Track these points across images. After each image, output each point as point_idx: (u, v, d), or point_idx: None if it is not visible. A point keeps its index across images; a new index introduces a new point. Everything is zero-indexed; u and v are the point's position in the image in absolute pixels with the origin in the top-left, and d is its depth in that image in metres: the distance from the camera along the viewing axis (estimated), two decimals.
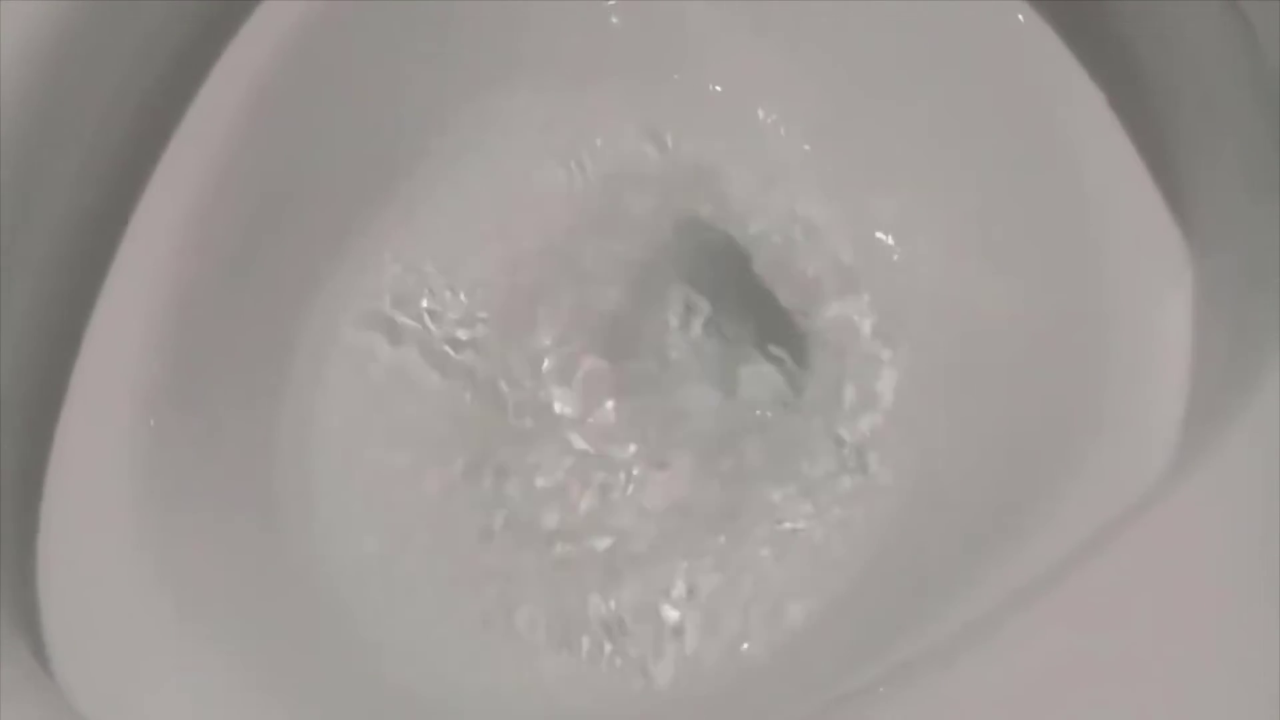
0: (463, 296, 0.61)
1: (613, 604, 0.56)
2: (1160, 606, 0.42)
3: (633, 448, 0.60)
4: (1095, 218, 0.54)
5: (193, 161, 0.54)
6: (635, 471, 0.59)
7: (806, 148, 0.61)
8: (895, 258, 0.60)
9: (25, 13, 0.49)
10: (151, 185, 0.54)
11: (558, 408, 0.60)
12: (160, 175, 0.54)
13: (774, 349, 0.62)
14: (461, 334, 0.61)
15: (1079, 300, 0.53)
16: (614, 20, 0.62)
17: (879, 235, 0.60)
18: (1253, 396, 0.45)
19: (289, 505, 0.56)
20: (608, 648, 0.56)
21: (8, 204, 0.49)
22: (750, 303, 0.62)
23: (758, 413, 0.60)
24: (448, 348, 0.61)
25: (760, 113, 0.62)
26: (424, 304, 0.61)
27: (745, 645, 0.55)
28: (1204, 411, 0.49)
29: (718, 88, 0.62)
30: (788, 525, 0.57)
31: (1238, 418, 0.45)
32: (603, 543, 0.58)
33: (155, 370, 0.52)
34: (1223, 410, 0.46)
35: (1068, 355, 0.54)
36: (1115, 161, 0.54)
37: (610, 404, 0.60)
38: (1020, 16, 0.56)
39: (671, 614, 0.56)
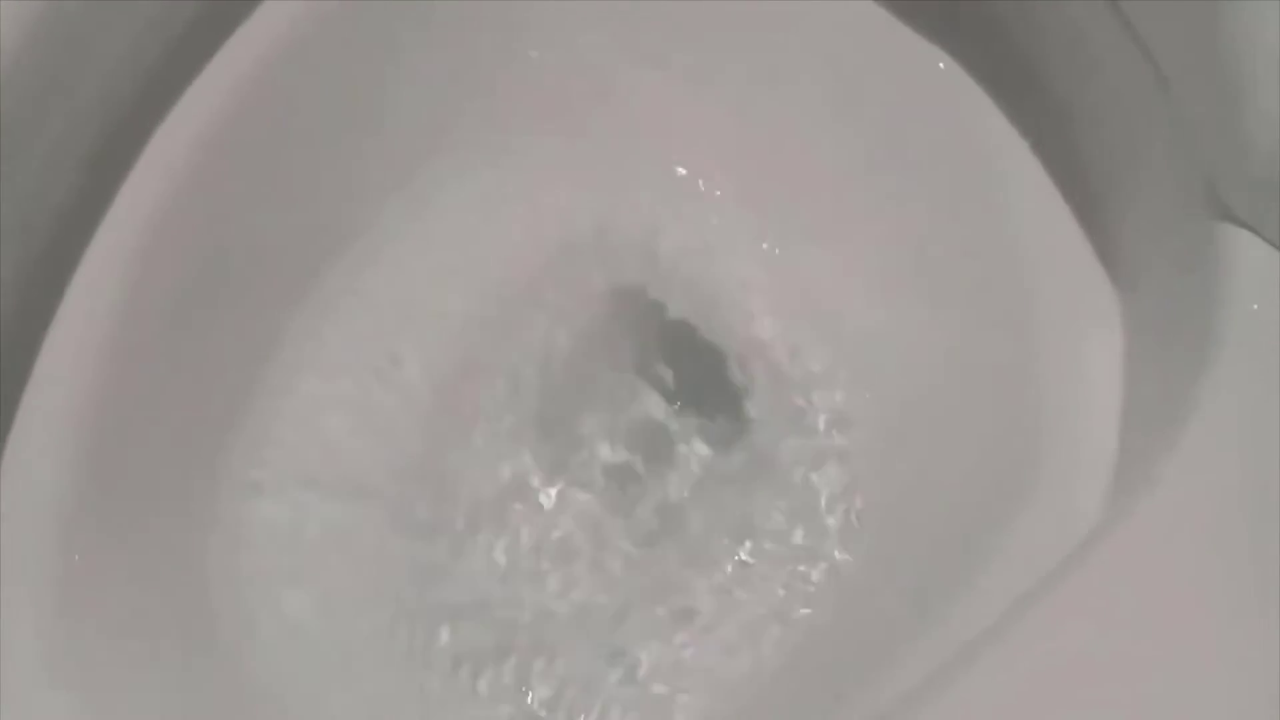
0: (404, 373, 0.61)
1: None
2: (1102, 650, 0.42)
3: (575, 531, 0.59)
4: (1024, 261, 0.55)
5: (114, 255, 0.53)
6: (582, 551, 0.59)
7: (736, 204, 0.62)
8: (831, 307, 0.60)
9: None
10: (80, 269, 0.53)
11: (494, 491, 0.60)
12: (88, 259, 0.53)
13: (713, 407, 0.62)
14: (397, 431, 0.60)
15: (1013, 342, 0.54)
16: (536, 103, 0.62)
17: (814, 286, 0.60)
18: (1182, 435, 0.45)
19: (223, 627, 0.55)
20: None
21: None
22: (687, 359, 0.62)
23: (697, 470, 0.60)
24: (380, 447, 0.60)
25: (686, 171, 0.63)
26: (360, 394, 0.60)
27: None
28: (1137, 449, 0.50)
29: (645, 148, 0.63)
30: (729, 583, 0.57)
31: (1169, 457, 0.45)
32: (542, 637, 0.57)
33: (76, 487, 0.50)
34: (1155, 450, 0.47)
35: (1004, 398, 0.55)
36: (1041, 205, 0.55)
37: (552, 490, 0.60)
38: (940, 64, 0.57)
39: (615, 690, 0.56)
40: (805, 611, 0.56)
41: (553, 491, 0.60)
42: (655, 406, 0.62)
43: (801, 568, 0.57)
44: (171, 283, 0.54)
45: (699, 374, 0.61)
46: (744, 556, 0.58)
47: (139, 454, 0.53)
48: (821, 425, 0.59)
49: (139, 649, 0.51)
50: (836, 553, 0.57)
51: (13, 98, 0.49)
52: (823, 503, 0.57)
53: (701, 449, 0.61)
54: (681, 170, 0.62)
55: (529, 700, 0.56)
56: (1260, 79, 0.44)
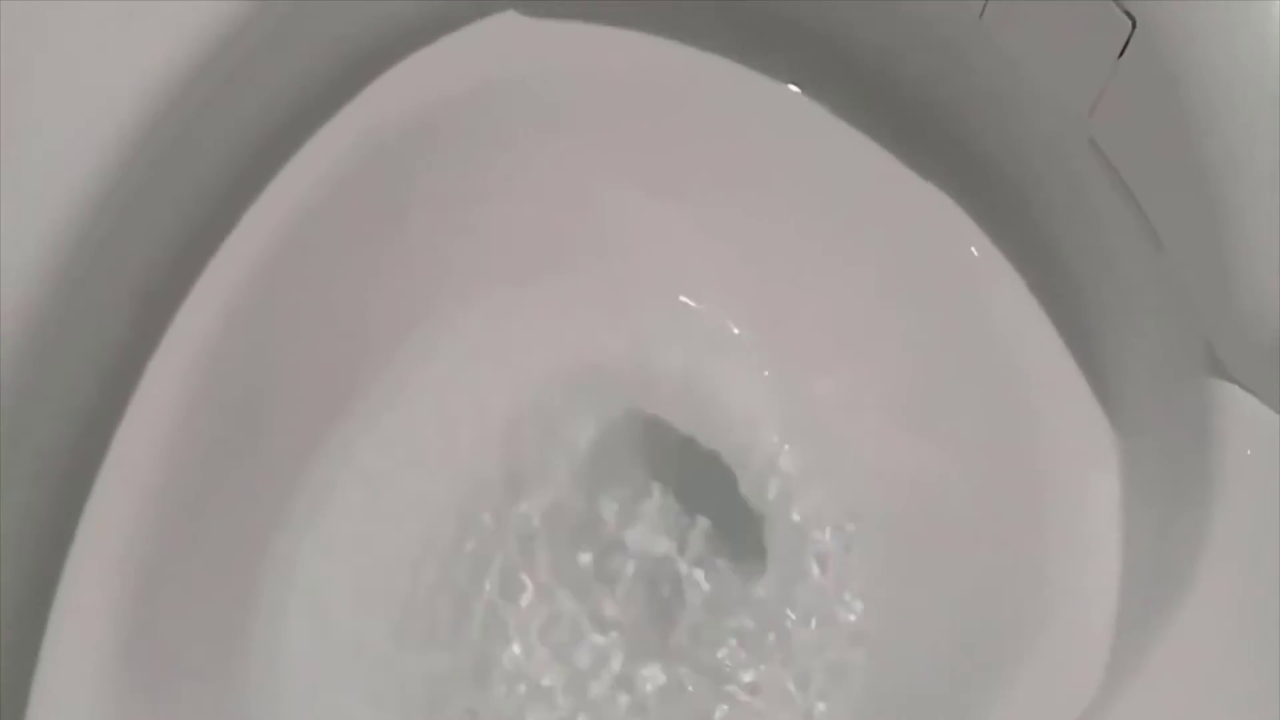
0: (415, 524, 0.61)
1: None
2: None
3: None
4: (1027, 398, 0.56)
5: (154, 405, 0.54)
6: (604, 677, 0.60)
7: (744, 338, 0.63)
8: (837, 436, 0.61)
9: None
10: (116, 446, 0.53)
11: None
12: (123, 438, 0.53)
13: (730, 533, 0.63)
14: (418, 572, 0.61)
15: (1014, 482, 0.55)
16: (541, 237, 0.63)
17: (819, 414, 0.62)
18: (1183, 583, 0.46)
19: None
20: None
21: None
22: (696, 493, 0.63)
23: (700, 604, 0.61)
24: (404, 585, 0.61)
25: (689, 300, 0.64)
26: (377, 537, 0.61)
27: None
28: (1139, 593, 0.51)
29: (646, 279, 0.64)
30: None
31: (1170, 604, 0.46)
32: None
33: (127, 621, 0.51)
34: (1156, 593, 0.48)
35: (1006, 536, 0.56)
36: (1042, 345, 0.56)
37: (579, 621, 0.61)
38: (940, 204, 0.59)
39: None
40: None
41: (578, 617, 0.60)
42: (663, 542, 0.63)
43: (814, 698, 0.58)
44: (205, 438, 0.55)
45: (713, 504, 0.62)
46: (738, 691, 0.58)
47: (176, 604, 0.54)
48: (832, 553, 0.60)
49: None
50: (822, 705, 0.57)
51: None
52: (810, 641, 0.59)
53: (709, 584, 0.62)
54: (687, 300, 0.64)
55: None
56: (1255, 249, 0.45)
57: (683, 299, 0.64)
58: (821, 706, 0.57)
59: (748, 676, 0.58)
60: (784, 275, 0.62)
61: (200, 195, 0.54)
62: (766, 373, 0.62)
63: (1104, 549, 0.52)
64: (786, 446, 0.61)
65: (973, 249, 0.58)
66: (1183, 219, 0.48)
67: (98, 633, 0.50)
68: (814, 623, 0.59)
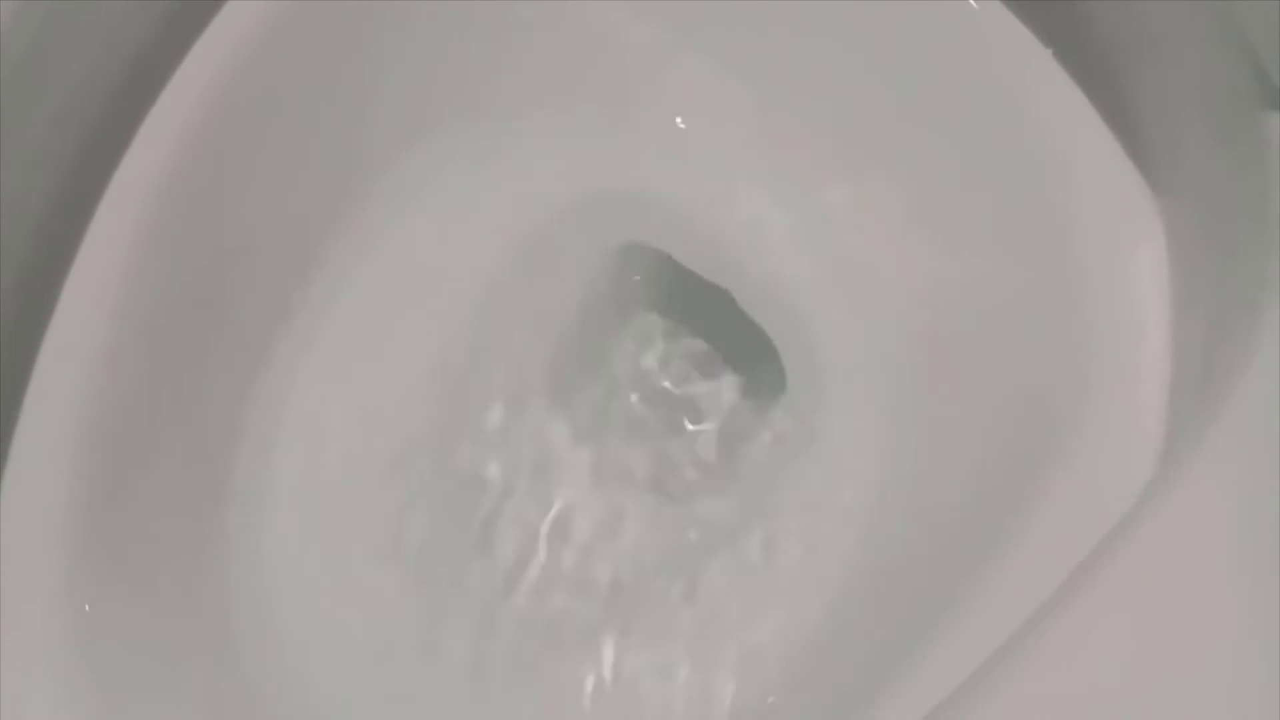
0: (409, 356, 0.58)
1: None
2: (1159, 615, 0.37)
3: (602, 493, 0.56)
4: (1054, 177, 0.50)
5: (114, 246, 0.50)
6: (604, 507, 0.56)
7: (744, 148, 0.57)
8: (852, 248, 0.56)
9: None
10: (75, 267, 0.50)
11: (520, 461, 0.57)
12: (83, 256, 0.50)
13: (739, 363, 0.59)
14: (409, 402, 0.58)
15: (1048, 269, 0.49)
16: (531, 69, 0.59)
17: (833, 226, 0.56)
18: (1240, 359, 0.40)
19: (243, 642, 0.52)
20: None
21: None
22: (707, 317, 0.59)
23: (715, 428, 0.58)
24: (396, 412, 0.57)
25: (684, 120, 0.59)
26: (367, 375, 0.58)
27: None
28: (1190, 375, 0.45)
29: (643, 101, 0.59)
30: (762, 549, 0.53)
31: (1225, 386, 0.40)
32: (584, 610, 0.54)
33: (80, 492, 0.48)
34: (1209, 375, 0.42)
35: (1043, 330, 0.50)
36: (1069, 116, 0.50)
37: (577, 451, 0.57)
38: None
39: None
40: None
41: (583, 452, 0.57)
42: (677, 366, 0.59)
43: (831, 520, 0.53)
44: (165, 287, 0.52)
45: (726, 327, 0.58)
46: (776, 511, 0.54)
47: (142, 469, 0.51)
48: (851, 370, 0.55)
49: (157, 669, 0.49)
50: (863, 514, 0.53)
51: None
52: (843, 464, 0.54)
53: (723, 406, 0.58)
54: (682, 121, 0.58)
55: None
56: None
57: (679, 120, 0.58)
58: (859, 519, 0.52)
59: (782, 499, 0.54)
60: (786, 83, 0.56)
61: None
62: (771, 188, 0.57)
63: (1152, 326, 0.46)
64: (797, 263, 0.56)
65: (990, 22, 0.51)
66: None
67: (53, 486, 0.47)
68: (840, 444, 0.53)
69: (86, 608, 0.46)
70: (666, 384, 0.59)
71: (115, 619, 0.48)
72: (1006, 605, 0.39)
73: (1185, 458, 0.39)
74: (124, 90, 0.53)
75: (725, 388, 0.58)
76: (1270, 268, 0.41)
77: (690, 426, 0.59)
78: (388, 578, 0.55)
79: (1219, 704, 0.35)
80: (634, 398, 0.59)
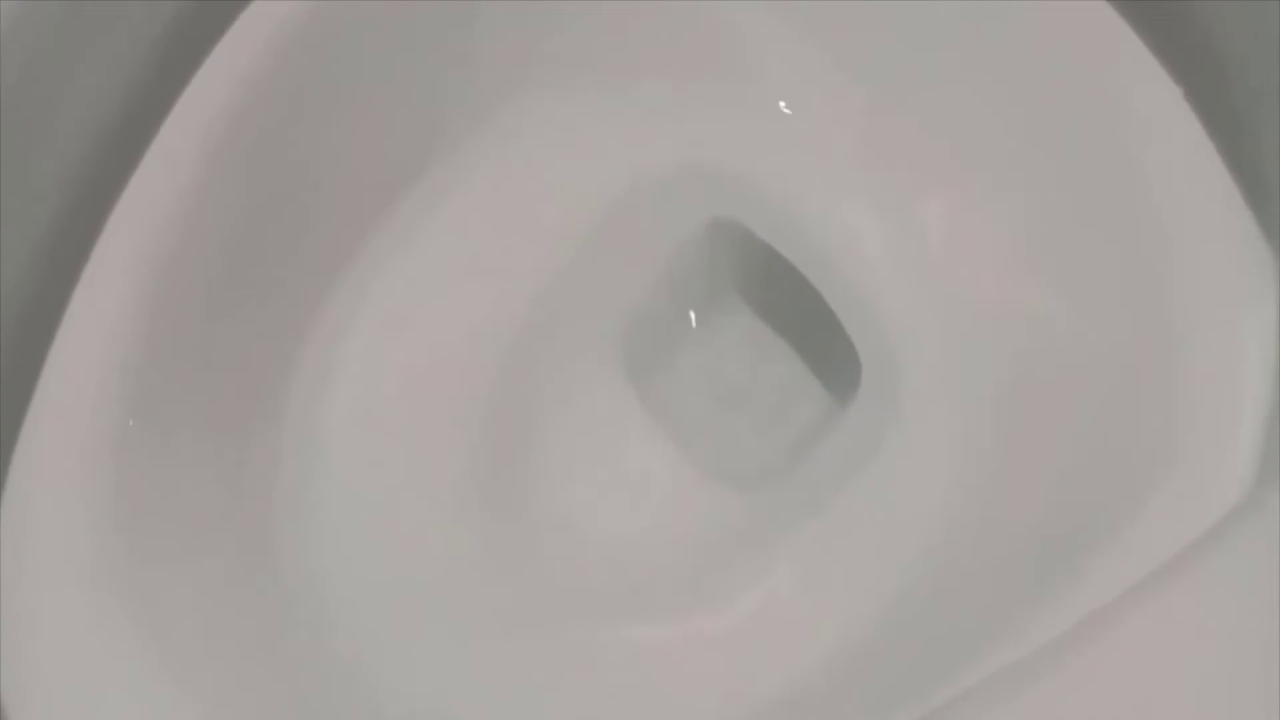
0: (479, 308, 0.57)
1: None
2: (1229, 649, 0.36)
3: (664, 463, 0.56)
4: (1169, 232, 0.48)
5: (174, 169, 0.50)
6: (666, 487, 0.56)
7: (848, 145, 0.56)
8: (944, 265, 0.54)
9: None
10: (126, 195, 0.50)
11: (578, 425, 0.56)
12: (136, 185, 0.50)
13: (815, 360, 0.58)
14: (477, 344, 0.57)
15: (1148, 326, 0.47)
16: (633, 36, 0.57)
17: (929, 241, 0.55)
18: None
19: (284, 535, 0.52)
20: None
21: None
22: (791, 312, 0.58)
23: (783, 422, 0.58)
24: (460, 359, 0.57)
25: (792, 111, 0.57)
26: (434, 316, 0.57)
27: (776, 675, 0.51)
28: None
29: (751, 83, 0.57)
30: (819, 549, 0.53)
31: None
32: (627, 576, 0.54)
33: (131, 384, 0.48)
34: None
35: (1134, 377, 0.48)
36: (1192, 161, 0.48)
37: (638, 420, 0.56)
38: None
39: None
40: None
41: (647, 428, 0.56)
42: (753, 356, 0.59)
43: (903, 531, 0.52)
44: (226, 216, 0.51)
45: (809, 326, 0.57)
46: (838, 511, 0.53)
47: (192, 382, 0.51)
48: (932, 389, 0.54)
49: (195, 570, 0.49)
50: (923, 533, 0.52)
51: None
52: (909, 481, 0.53)
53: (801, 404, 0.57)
54: (786, 107, 0.57)
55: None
56: None
57: (782, 105, 0.57)
58: (918, 538, 0.51)
59: (844, 503, 0.53)
60: (901, 92, 0.55)
61: None
62: (871, 191, 0.55)
63: (1250, 399, 0.45)
64: (886, 270, 0.54)
65: (1119, 54, 0.50)
66: None
67: (93, 391, 0.47)
68: (908, 462, 0.52)
69: (130, 423, 0.47)
70: (738, 370, 0.59)
71: (156, 498, 0.48)
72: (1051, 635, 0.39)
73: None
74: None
75: (798, 384, 0.58)
76: None
77: (757, 418, 0.58)
78: (430, 515, 0.55)
79: None
80: (704, 377, 0.59)
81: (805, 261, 0.56)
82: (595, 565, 0.55)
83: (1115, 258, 0.49)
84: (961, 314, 0.53)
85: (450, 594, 0.54)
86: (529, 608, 0.54)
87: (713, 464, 0.56)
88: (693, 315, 0.60)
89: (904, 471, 0.53)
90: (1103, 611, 0.38)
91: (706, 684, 0.52)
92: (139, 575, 0.47)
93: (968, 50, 0.53)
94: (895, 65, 0.55)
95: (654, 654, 0.52)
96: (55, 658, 0.45)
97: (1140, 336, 0.48)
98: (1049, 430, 0.50)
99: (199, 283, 0.51)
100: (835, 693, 0.50)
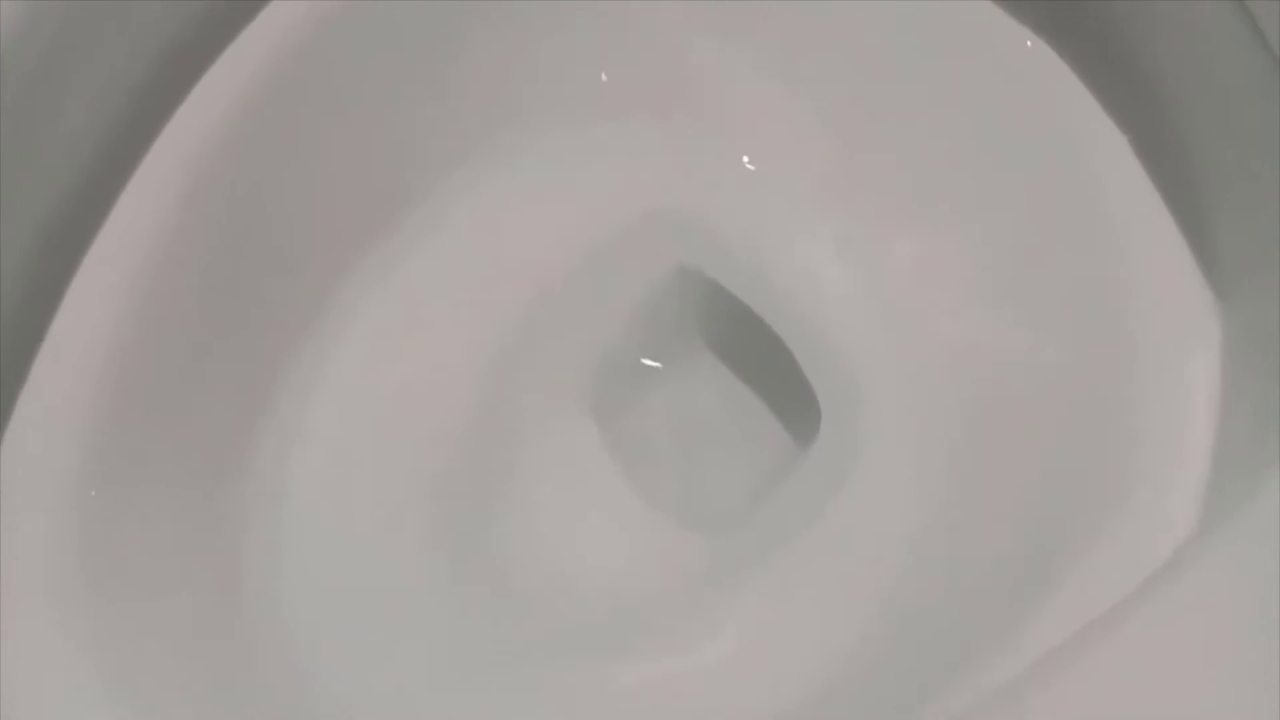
0: (450, 351, 0.58)
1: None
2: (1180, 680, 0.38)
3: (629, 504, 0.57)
4: (1120, 271, 0.50)
5: (149, 212, 0.51)
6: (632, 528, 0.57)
7: (810, 194, 0.57)
8: (905, 304, 0.56)
9: None
10: (97, 243, 0.51)
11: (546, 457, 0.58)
12: (110, 229, 0.51)
13: (778, 403, 0.59)
14: (447, 387, 0.58)
15: (1102, 356, 0.50)
16: (603, 78, 0.59)
17: (893, 281, 0.56)
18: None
19: (252, 580, 0.53)
20: None
21: None
22: (755, 356, 0.59)
23: (758, 470, 0.58)
24: (430, 402, 0.57)
25: (751, 160, 0.59)
26: (404, 360, 0.58)
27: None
28: (1229, 472, 0.46)
29: (714, 126, 0.59)
30: (786, 587, 0.54)
31: (1263, 483, 0.41)
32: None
33: (99, 429, 0.48)
34: (1248, 474, 0.43)
35: (1088, 411, 0.50)
36: (1140, 209, 0.51)
37: (603, 462, 0.57)
38: (1028, 42, 0.53)
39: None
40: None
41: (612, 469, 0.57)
42: (715, 399, 0.60)
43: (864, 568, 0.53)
44: (206, 242, 0.52)
45: (770, 367, 0.58)
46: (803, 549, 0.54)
47: (173, 402, 0.51)
48: (879, 428, 0.55)
49: (163, 606, 0.49)
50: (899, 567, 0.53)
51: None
52: (871, 515, 0.54)
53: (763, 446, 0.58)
54: (750, 158, 0.58)
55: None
56: None
57: (745, 158, 0.58)
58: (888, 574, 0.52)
59: (808, 539, 0.54)
60: (862, 134, 0.57)
61: None
62: (835, 231, 0.57)
63: (1196, 427, 0.47)
64: (847, 312, 0.56)
65: (1068, 99, 0.52)
66: None
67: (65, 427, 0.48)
68: (870, 496, 0.54)
69: (93, 493, 0.48)
70: (702, 413, 0.60)
71: (124, 520, 0.49)
72: (1018, 667, 0.40)
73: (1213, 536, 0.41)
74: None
75: (762, 426, 0.59)
76: None
77: (719, 456, 0.59)
78: (399, 561, 0.55)
79: None
80: (668, 420, 0.60)
81: (766, 308, 0.58)
82: (565, 605, 0.55)
83: (1072, 298, 0.52)
84: (922, 351, 0.55)
85: (420, 638, 0.54)
86: (501, 648, 0.54)
87: (677, 505, 0.57)
88: (659, 359, 0.61)
89: (867, 509, 0.54)
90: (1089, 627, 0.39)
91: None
92: (104, 623, 0.47)
93: (928, 94, 0.55)
94: (862, 112, 0.57)
95: (626, 693, 0.53)
96: (20, 705, 0.45)
97: (1095, 371, 0.50)
98: (1010, 462, 0.52)
99: (172, 338, 0.51)
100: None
